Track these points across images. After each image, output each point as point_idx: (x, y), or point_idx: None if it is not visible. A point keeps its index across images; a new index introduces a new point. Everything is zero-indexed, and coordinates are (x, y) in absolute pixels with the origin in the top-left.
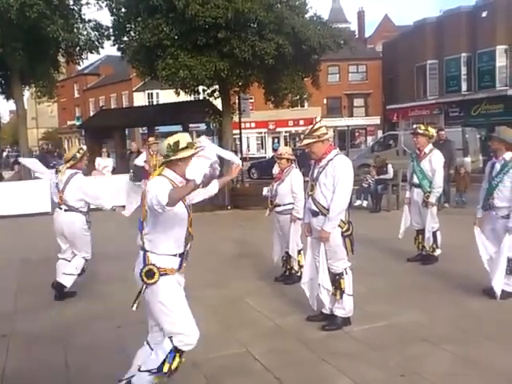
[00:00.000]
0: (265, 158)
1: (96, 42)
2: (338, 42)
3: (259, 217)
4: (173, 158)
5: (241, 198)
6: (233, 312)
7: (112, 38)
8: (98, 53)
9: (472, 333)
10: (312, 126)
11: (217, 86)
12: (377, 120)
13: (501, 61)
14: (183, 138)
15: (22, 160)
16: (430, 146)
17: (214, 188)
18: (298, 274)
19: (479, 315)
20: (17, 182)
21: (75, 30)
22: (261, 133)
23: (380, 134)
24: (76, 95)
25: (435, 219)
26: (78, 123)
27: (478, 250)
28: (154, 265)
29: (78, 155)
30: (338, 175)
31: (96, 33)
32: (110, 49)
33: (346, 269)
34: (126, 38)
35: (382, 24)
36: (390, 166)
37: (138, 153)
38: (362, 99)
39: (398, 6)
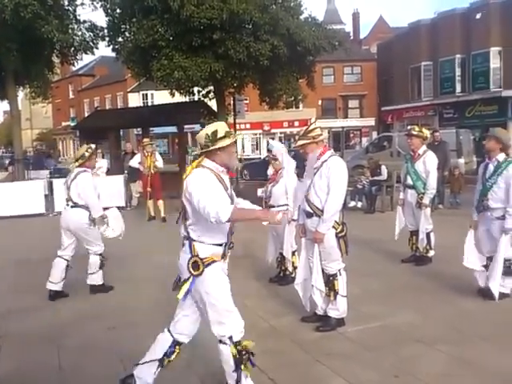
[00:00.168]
0: (258, 158)
1: (91, 43)
2: (333, 44)
3: None
4: (212, 147)
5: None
6: None
7: (107, 38)
8: (93, 53)
9: (466, 333)
10: (307, 127)
11: (212, 87)
12: (371, 121)
13: (495, 62)
14: (221, 127)
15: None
16: (424, 147)
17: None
18: (293, 275)
19: (473, 316)
20: (11, 183)
21: (70, 31)
22: (256, 134)
23: (375, 135)
24: (71, 96)
25: (429, 220)
26: (72, 124)
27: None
28: (198, 256)
29: (87, 154)
30: (333, 176)
31: (91, 33)
32: (104, 49)
33: (340, 270)
34: (120, 39)
35: (376, 25)
36: (383, 167)
37: (133, 154)
38: (357, 100)
39: (393, 7)
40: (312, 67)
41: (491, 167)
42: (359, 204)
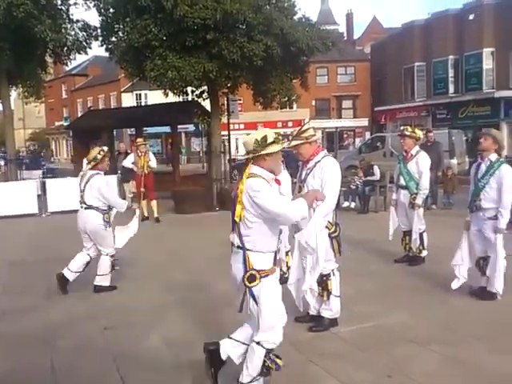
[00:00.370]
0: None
1: (84, 43)
2: (327, 44)
3: None
4: (262, 152)
5: (229, 200)
6: (219, 313)
7: (100, 38)
8: (86, 53)
9: (459, 333)
10: (300, 127)
11: (205, 87)
12: (365, 122)
13: (487, 63)
14: (270, 134)
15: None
16: (417, 147)
17: None
18: (286, 275)
19: (466, 316)
20: (3, 183)
21: (63, 30)
22: (249, 134)
23: (368, 135)
24: (64, 96)
25: (422, 221)
26: (65, 124)
27: (460, 255)
28: (253, 269)
29: (99, 156)
30: (326, 177)
31: (84, 33)
32: (98, 49)
33: (333, 270)
34: (114, 39)
35: (370, 26)
36: (375, 167)
37: (126, 154)
38: (351, 101)
39: (387, 8)
40: (306, 67)
41: (483, 167)
42: (353, 204)
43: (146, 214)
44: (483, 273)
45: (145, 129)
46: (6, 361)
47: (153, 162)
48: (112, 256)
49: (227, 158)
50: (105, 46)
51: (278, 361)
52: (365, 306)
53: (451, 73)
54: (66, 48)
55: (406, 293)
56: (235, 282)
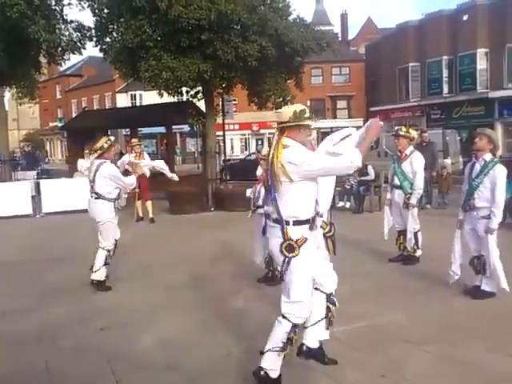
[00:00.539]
0: (236, 159)
1: (78, 43)
2: (321, 45)
3: (242, 218)
4: (300, 122)
5: (224, 200)
6: (214, 313)
7: (94, 38)
8: (81, 54)
9: (454, 333)
10: None
11: (200, 88)
12: (360, 122)
13: (481, 64)
14: (307, 109)
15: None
16: (411, 147)
17: None
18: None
19: (461, 315)
20: None
21: (57, 31)
22: (244, 134)
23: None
24: (58, 96)
25: (416, 220)
26: (60, 124)
27: (452, 252)
28: (291, 239)
29: (106, 145)
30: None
31: (78, 33)
32: (92, 50)
33: None
34: (108, 39)
35: (364, 26)
36: (370, 167)
37: (121, 154)
38: (345, 101)
39: (381, 8)
40: (300, 68)
41: (478, 167)
42: (347, 204)
43: (140, 215)
44: (477, 272)
45: (140, 129)
46: (1, 361)
47: (146, 162)
48: (109, 251)
49: (222, 158)
50: (99, 47)
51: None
52: (359, 305)
53: (445, 73)
54: (60, 48)
55: (400, 292)
56: (273, 256)
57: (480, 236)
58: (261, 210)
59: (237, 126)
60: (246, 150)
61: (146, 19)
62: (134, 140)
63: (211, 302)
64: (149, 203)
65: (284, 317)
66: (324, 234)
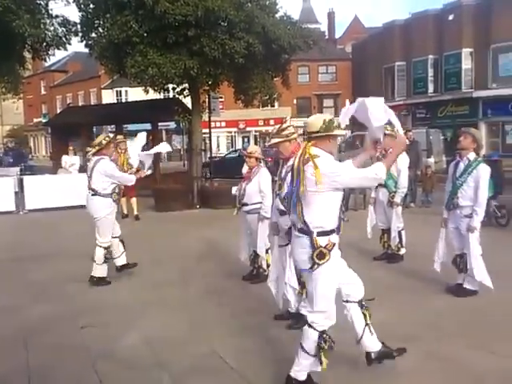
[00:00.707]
0: (217, 157)
1: (63, 38)
2: (308, 42)
3: (227, 216)
4: (328, 133)
5: (210, 197)
6: (199, 311)
7: (80, 34)
8: (66, 49)
9: (438, 330)
10: (279, 125)
11: (186, 85)
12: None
13: (466, 63)
14: (334, 118)
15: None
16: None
17: None
18: (266, 273)
19: (444, 313)
20: None
21: (42, 26)
22: (231, 132)
23: (349, 134)
24: (43, 92)
25: (400, 219)
26: (44, 120)
27: (437, 250)
28: (321, 246)
29: (104, 142)
30: None
31: (63, 29)
32: (77, 45)
33: None
34: (94, 35)
35: (351, 25)
36: None
37: None
38: (332, 100)
39: (368, 7)
40: (287, 66)
41: (462, 166)
42: None
43: (125, 212)
44: (460, 270)
45: (125, 126)
46: None
47: (133, 160)
48: (106, 248)
49: (208, 155)
50: (84, 42)
51: (327, 344)
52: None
53: (431, 72)
54: (44, 43)
55: (384, 290)
56: (295, 263)
57: (463, 234)
58: (246, 208)
59: (223, 124)
60: (232, 147)
61: (132, 15)
62: (119, 137)
63: (197, 300)
64: (134, 200)
65: (310, 325)
66: None
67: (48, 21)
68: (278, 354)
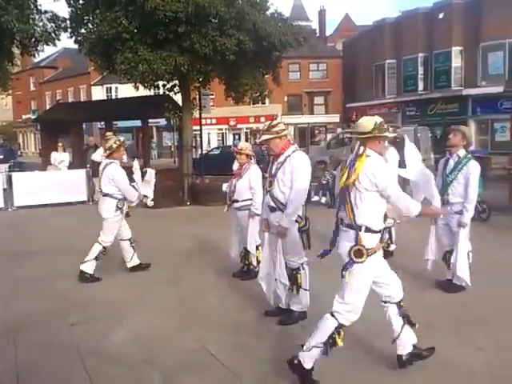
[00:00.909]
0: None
1: (52, 34)
2: (299, 40)
3: (218, 213)
4: (381, 134)
5: (200, 194)
6: (189, 308)
7: (69, 30)
8: (55, 45)
9: (428, 326)
10: (270, 122)
11: (177, 81)
12: (336, 118)
13: (456, 61)
14: (384, 121)
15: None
16: (386, 143)
17: None
18: (256, 270)
19: (434, 309)
20: None
21: (30, 21)
22: (221, 129)
23: (339, 130)
24: (32, 88)
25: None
26: (33, 117)
27: (427, 247)
28: (363, 246)
29: (115, 146)
30: (296, 171)
31: (52, 24)
32: (67, 41)
33: (302, 264)
34: (83, 31)
35: (342, 23)
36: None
37: (96, 147)
38: (323, 97)
39: (359, 5)
40: (278, 63)
41: (452, 163)
42: (323, 199)
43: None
44: (449, 266)
45: (115, 123)
46: None
47: (123, 157)
48: (104, 248)
49: (199, 152)
50: (74, 38)
51: (338, 341)
52: (334, 299)
53: (421, 70)
54: (33, 39)
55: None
56: (341, 258)
57: (453, 231)
58: (236, 205)
59: (214, 121)
60: (222, 144)
61: (122, 11)
62: (108, 133)
63: (187, 297)
64: None
65: (332, 315)
66: (299, 229)
67: (37, 16)
68: (270, 350)
